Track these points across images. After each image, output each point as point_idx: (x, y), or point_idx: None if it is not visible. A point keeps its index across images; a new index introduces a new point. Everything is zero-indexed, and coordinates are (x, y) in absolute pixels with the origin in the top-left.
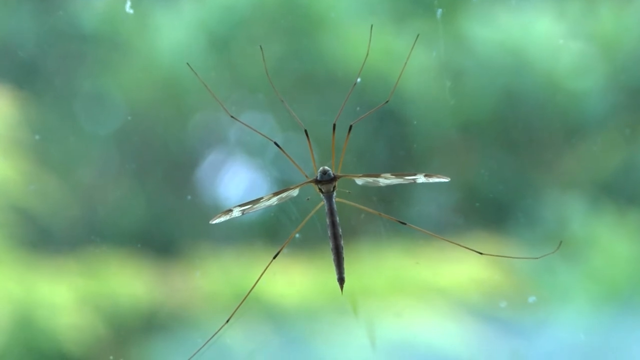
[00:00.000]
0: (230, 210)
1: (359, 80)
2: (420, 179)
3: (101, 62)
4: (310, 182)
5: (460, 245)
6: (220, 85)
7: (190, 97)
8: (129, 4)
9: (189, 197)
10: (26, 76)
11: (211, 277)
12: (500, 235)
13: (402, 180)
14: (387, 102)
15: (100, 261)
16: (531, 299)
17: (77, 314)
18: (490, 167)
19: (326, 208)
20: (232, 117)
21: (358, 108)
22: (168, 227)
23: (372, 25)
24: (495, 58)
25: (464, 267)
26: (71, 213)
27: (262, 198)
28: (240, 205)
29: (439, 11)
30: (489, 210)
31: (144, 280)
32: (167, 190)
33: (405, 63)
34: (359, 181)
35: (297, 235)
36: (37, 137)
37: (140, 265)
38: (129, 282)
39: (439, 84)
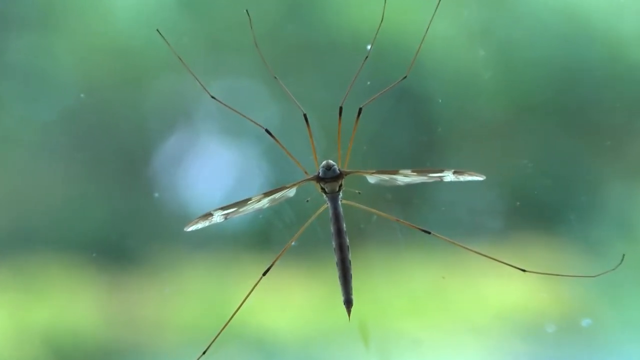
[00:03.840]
0: (210, 215)
1: (369, 48)
2: (448, 176)
3: (44, 27)
4: (311, 179)
5: (498, 261)
6: (196, 56)
7: (157, 69)
8: None
9: (157, 194)
10: None
11: (184, 296)
12: (548, 242)
13: (425, 178)
14: (405, 77)
15: (43, 275)
16: (585, 322)
17: (9, 347)
18: (535, 156)
19: (330, 212)
20: (212, 97)
21: (369, 83)
22: (130, 232)
23: None
24: (544, 21)
25: (501, 283)
26: (7, 214)
27: (250, 199)
28: (222, 208)
29: None
30: (533, 211)
31: (99, 300)
32: (129, 186)
33: (428, 27)
34: (372, 179)
35: (293, 244)
36: None
37: (95, 280)
38: (81, 303)
39: (470, 54)
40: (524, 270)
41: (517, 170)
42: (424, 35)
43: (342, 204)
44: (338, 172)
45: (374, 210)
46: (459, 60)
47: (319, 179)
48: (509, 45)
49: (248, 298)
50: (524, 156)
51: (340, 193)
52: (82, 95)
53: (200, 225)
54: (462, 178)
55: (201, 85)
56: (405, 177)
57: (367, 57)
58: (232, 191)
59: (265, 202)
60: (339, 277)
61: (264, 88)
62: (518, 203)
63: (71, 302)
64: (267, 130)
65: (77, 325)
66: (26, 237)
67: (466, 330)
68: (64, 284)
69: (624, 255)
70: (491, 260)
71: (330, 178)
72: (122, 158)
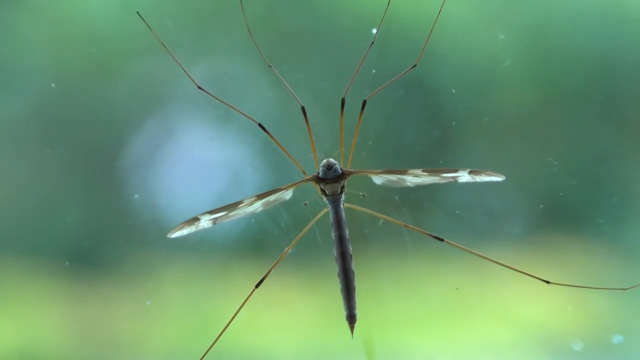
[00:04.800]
0: (197, 219)
1: (375, 32)
2: (464, 177)
3: (9, 3)
4: (310, 180)
5: (519, 271)
6: (181, 41)
7: (135, 55)
8: None
9: (137, 195)
10: None
11: (168, 309)
12: (574, 250)
13: (437, 178)
14: (415, 65)
15: (8, 286)
16: (616, 339)
17: None
18: (560, 153)
19: (331, 217)
20: (199, 88)
21: (374, 71)
22: (107, 238)
23: None
24: (577, 3)
25: (522, 295)
26: None
27: (241, 202)
28: (210, 212)
29: None
30: (558, 214)
31: (72, 315)
32: (106, 186)
33: (441, 8)
34: (378, 179)
35: (290, 251)
36: None
37: (67, 291)
38: (51, 318)
39: (488, 38)
40: (547, 282)
41: (540, 169)
42: (436, 18)
43: (344, 207)
44: (340, 171)
45: (380, 215)
46: (476, 45)
47: (318, 179)
48: (531, 28)
49: (239, 313)
50: (547, 153)
51: (343, 195)
52: (52, 84)
53: (185, 231)
54: (478, 179)
55: (187, 74)
56: (415, 178)
57: (372, 42)
58: (223, 193)
59: (258, 206)
60: (341, 290)
61: (258, 76)
62: (541, 205)
63: (40, 317)
64: (260, 125)
65: (47, 345)
66: None
67: (483, 347)
68: (33, 296)
69: None
70: (511, 270)
71: (331, 179)
72: (98, 154)
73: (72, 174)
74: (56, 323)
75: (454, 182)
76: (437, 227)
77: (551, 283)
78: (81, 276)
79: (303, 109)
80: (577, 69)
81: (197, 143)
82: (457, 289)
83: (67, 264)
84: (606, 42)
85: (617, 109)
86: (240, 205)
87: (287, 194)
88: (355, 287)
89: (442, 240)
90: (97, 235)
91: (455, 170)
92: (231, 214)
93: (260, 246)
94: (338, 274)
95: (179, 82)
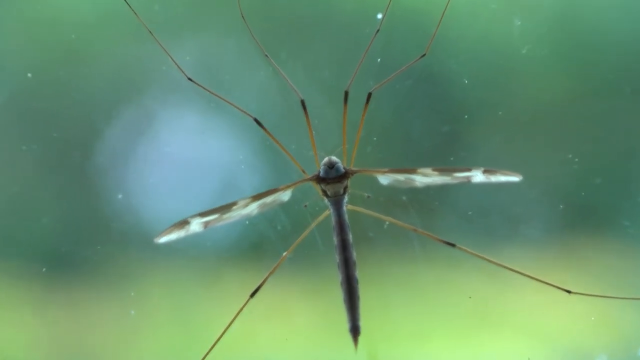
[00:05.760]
0: (187, 222)
1: (380, 17)
2: (478, 176)
3: None
4: (310, 180)
5: (537, 280)
6: (169, 27)
7: (120, 43)
8: None
9: (120, 195)
10: None
11: (154, 319)
12: (597, 254)
13: (449, 178)
14: (424, 55)
15: None
16: None
17: None
18: (582, 149)
19: (333, 220)
20: (189, 79)
21: (380, 60)
22: (87, 242)
23: None
24: None
25: (540, 305)
26: None
27: (235, 204)
28: (201, 215)
29: None
30: (579, 216)
31: (49, 326)
32: (86, 185)
33: None
34: (384, 179)
35: (288, 256)
36: None
37: (44, 300)
38: (26, 328)
39: (503, 24)
40: (568, 292)
41: (561, 166)
42: (447, 3)
43: (347, 209)
44: (343, 171)
45: (386, 218)
46: (490, 30)
47: (319, 179)
48: (552, 12)
49: (232, 324)
50: (568, 149)
51: (346, 196)
52: (29, 74)
53: (174, 235)
54: (494, 179)
55: (175, 64)
56: (425, 178)
57: (378, 29)
58: (215, 193)
59: (254, 208)
60: (344, 300)
61: (254, 66)
62: (561, 206)
63: (13, 327)
64: (256, 120)
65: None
66: None
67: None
68: (6, 305)
69: None
70: (528, 277)
71: (333, 178)
72: (77, 151)
73: (49, 171)
74: (30, 334)
75: (467, 183)
76: (448, 230)
77: (573, 293)
78: (58, 282)
79: (303, 102)
80: (603, 57)
81: (186, 138)
82: (470, 297)
83: (44, 269)
84: (635, 28)
85: None
86: (235, 207)
87: (286, 195)
88: (359, 297)
89: (453, 245)
90: (76, 238)
91: (469, 169)
92: (224, 216)
93: (255, 251)
94: (341, 283)
95: (166, 72)
